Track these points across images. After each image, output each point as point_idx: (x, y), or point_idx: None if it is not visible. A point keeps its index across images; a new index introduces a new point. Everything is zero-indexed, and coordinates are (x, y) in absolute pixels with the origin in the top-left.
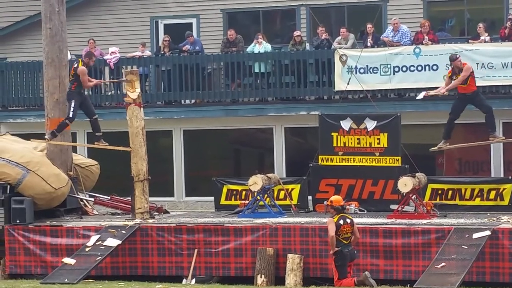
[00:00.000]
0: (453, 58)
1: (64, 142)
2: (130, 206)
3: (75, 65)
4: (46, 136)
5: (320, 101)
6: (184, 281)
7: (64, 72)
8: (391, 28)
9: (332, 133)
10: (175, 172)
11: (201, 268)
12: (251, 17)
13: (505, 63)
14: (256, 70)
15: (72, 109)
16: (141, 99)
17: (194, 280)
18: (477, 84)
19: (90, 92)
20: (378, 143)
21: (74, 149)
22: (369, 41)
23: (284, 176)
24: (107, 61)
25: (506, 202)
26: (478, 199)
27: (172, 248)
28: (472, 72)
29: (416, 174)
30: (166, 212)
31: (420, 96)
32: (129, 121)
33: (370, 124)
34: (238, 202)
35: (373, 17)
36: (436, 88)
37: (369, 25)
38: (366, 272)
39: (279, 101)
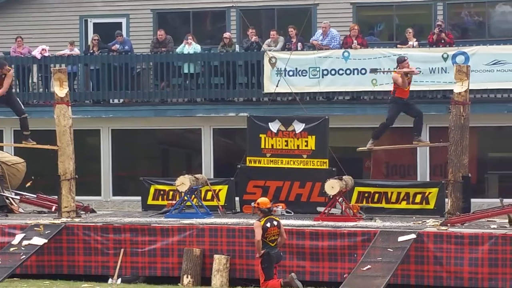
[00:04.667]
0: (401, 60)
1: None
2: (56, 205)
3: None
4: None
5: (249, 102)
6: (110, 280)
7: None
8: (320, 31)
9: (260, 135)
10: (103, 171)
11: (127, 267)
12: (181, 18)
13: (432, 68)
14: (185, 71)
15: None
16: (69, 97)
17: (120, 280)
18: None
19: (18, 90)
20: (306, 146)
21: (0, 147)
22: (299, 45)
23: (212, 177)
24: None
25: (431, 206)
26: (404, 202)
27: (98, 247)
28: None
29: (343, 177)
30: (92, 211)
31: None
32: (56, 119)
33: (298, 127)
34: (165, 202)
35: (303, 20)
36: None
37: (290, 29)
38: (292, 274)
39: (208, 102)
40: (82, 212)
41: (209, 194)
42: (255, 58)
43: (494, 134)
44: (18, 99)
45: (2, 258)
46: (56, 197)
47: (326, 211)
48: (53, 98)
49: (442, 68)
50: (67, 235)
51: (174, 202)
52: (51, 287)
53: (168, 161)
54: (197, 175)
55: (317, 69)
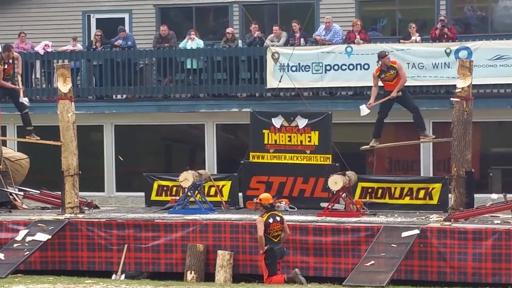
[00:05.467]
0: (382, 55)
1: None
2: (60, 201)
3: None
4: None
5: (252, 98)
6: (113, 276)
7: None
8: (323, 26)
9: (264, 130)
10: (106, 167)
11: (131, 263)
12: (184, 13)
13: (435, 63)
14: (188, 66)
15: None
16: (72, 93)
17: (123, 276)
18: (408, 84)
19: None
20: (309, 141)
21: (4, 143)
22: (302, 40)
23: (215, 172)
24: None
25: (435, 201)
26: (407, 198)
27: (102, 243)
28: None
29: (347, 172)
30: (96, 207)
31: (364, 111)
32: (60, 115)
33: (302, 122)
34: (168, 198)
35: (306, 15)
36: (369, 87)
37: (294, 23)
38: (296, 269)
39: (211, 98)
40: (85, 208)
41: (213, 190)
42: (258, 54)
43: (497, 129)
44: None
45: (5, 254)
46: (60, 193)
47: (329, 206)
48: (56, 94)
49: (445, 63)
50: (70, 231)
51: (177, 198)
52: (55, 283)
53: (171, 157)
54: (201, 171)
55: (320, 64)
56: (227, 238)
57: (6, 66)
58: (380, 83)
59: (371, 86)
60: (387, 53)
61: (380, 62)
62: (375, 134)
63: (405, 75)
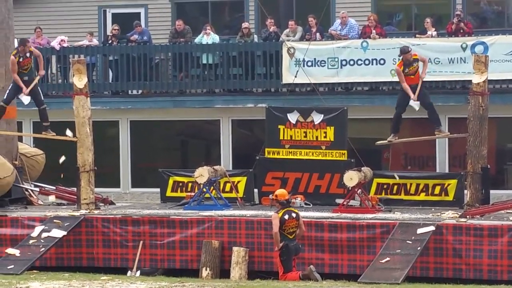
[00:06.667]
0: (405, 51)
1: (10, 132)
2: (75, 197)
3: None
4: None
5: (268, 93)
6: (129, 273)
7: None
8: (339, 21)
9: (279, 126)
10: (122, 163)
11: (146, 260)
12: (200, 8)
13: (451, 58)
14: (204, 61)
15: (7, 91)
16: (87, 88)
17: (139, 272)
18: (424, 79)
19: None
20: (325, 137)
21: (20, 138)
22: (318, 35)
23: (231, 168)
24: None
25: (450, 197)
26: (423, 194)
27: (117, 239)
28: None
29: (362, 168)
30: (111, 203)
31: (416, 106)
32: (75, 110)
33: (317, 118)
34: (184, 194)
35: (321, 10)
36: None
37: (310, 18)
38: (311, 266)
39: (226, 93)
40: (101, 204)
41: (228, 186)
42: (274, 49)
43: None
44: (39, 89)
45: (21, 250)
46: (75, 189)
47: (345, 203)
48: (72, 89)
49: (461, 58)
50: (86, 227)
51: (193, 194)
52: (70, 280)
53: (186, 153)
54: (216, 167)
55: (336, 59)
56: (242, 234)
57: (21, 60)
58: (396, 79)
59: (387, 82)
60: (410, 49)
61: (401, 57)
62: (394, 129)
63: (426, 67)
